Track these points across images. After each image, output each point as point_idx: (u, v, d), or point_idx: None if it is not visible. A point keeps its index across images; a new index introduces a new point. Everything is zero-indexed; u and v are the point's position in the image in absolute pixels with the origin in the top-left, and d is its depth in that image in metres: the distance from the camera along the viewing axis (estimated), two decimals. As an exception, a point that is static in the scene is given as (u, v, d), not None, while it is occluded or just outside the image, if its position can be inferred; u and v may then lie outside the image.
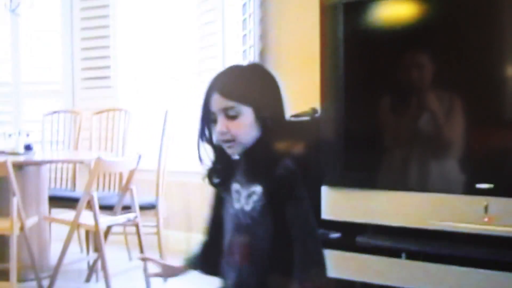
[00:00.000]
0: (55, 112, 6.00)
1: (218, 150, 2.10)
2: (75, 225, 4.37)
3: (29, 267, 4.37)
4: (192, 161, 5.47)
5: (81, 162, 5.32)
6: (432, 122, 2.87)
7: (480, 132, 2.83)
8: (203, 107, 2.05)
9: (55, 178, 5.74)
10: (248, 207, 2.05)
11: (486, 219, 2.73)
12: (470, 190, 2.76)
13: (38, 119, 6.01)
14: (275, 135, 2.03)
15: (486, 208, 2.72)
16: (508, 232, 2.67)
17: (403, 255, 2.93)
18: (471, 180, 2.77)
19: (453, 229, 2.78)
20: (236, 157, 2.08)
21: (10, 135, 4.90)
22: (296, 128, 3.42)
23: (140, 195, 4.76)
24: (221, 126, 2.01)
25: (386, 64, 3.00)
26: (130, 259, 5.28)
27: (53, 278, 4.38)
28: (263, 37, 4.24)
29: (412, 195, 2.90)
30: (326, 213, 3.11)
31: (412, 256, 2.90)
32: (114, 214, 4.60)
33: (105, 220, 4.44)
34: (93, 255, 4.79)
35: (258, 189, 2.03)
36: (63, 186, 5.76)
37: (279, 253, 2.02)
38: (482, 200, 2.72)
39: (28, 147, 4.91)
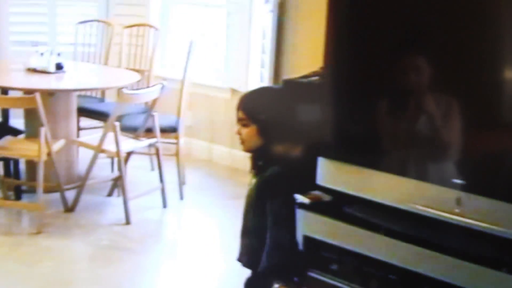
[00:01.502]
0: (88, 21, 6.23)
1: None
2: (98, 150, 4.73)
3: (55, 184, 4.77)
4: (217, 77, 5.83)
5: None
6: (426, 120, 3.07)
7: (467, 134, 3.02)
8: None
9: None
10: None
11: (457, 210, 2.98)
12: (447, 183, 2.99)
13: (71, 30, 6.23)
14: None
15: (458, 201, 2.96)
16: (476, 225, 2.92)
17: (382, 230, 3.21)
18: (449, 174, 3.00)
19: (429, 214, 3.03)
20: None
21: (42, 54, 5.15)
22: (304, 91, 3.68)
23: (164, 108, 5.09)
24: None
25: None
26: (151, 176, 5.61)
27: (78, 192, 4.83)
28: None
29: (399, 179, 3.14)
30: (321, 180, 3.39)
31: (390, 233, 3.18)
32: (137, 137, 4.94)
33: (127, 146, 4.78)
34: (116, 173, 5.16)
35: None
36: (93, 94, 6.07)
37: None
38: (456, 193, 2.97)
39: (59, 66, 5.17)
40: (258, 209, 2.66)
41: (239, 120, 2.92)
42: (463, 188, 2.95)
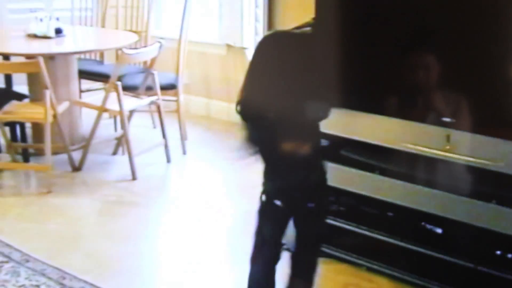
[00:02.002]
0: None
1: None
2: (102, 110, 4.88)
3: (62, 146, 4.93)
4: (213, 34, 5.93)
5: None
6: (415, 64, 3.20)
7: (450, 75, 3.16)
8: None
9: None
10: None
11: (447, 147, 3.14)
12: (437, 121, 3.15)
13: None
14: None
15: (448, 138, 3.12)
16: (465, 160, 3.08)
17: (377, 171, 3.38)
18: (438, 113, 3.15)
19: (421, 152, 3.19)
20: None
21: (41, 19, 5.26)
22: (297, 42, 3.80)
23: (162, 67, 5.24)
24: None
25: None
26: (153, 133, 5.77)
27: (84, 152, 4.99)
28: None
29: (391, 120, 3.29)
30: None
31: (385, 172, 3.35)
32: (138, 96, 5.09)
33: (129, 104, 4.93)
34: (120, 132, 5.32)
35: None
36: (92, 56, 6.20)
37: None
38: (446, 131, 3.12)
39: (58, 31, 5.30)
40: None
41: None
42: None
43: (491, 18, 2.93)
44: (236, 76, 6.04)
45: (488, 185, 3.07)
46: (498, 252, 3.09)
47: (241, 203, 4.46)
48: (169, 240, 4.07)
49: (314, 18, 3.52)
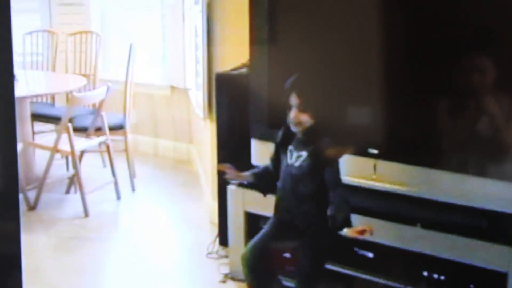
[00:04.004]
0: (34, 31, 6.61)
1: (286, 125, 3.19)
2: (54, 150, 5.13)
3: (17, 186, 5.14)
4: (157, 76, 6.22)
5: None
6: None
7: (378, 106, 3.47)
8: (286, 99, 3.14)
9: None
10: (297, 164, 3.16)
11: (374, 176, 3.45)
12: (364, 153, 3.45)
13: (18, 41, 6.58)
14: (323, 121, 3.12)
15: (374, 167, 3.44)
16: (391, 188, 3.38)
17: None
18: (365, 145, 3.44)
19: (350, 182, 3.43)
20: (295, 130, 3.16)
21: (-7, 66, 5.49)
22: (236, 82, 4.09)
23: (110, 108, 5.55)
24: (294, 114, 3.11)
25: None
26: (103, 172, 6.03)
27: (38, 191, 5.23)
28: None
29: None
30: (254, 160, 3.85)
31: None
32: (88, 136, 5.36)
33: (80, 144, 5.20)
34: (72, 171, 5.57)
35: (304, 153, 3.14)
36: (43, 99, 6.44)
37: (315, 194, 3.14)
38: (372, 161, 3.44)
39: (11, 76, 5.52)
40: (313, 176, 3.15)
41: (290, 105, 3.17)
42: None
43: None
44: (181, 115, 6.35)
45: (412, 209, 3.36)
46: (425, 273, 3.33)
47: (188, 236, 4.78)
48: (122, 272, 4.30)
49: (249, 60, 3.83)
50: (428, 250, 3.26)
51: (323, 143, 3.15)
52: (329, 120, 3.16)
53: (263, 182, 3.40)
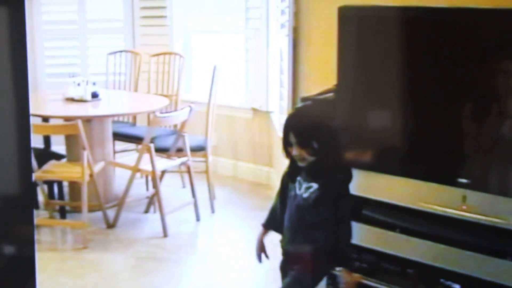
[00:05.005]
0: (117, 51, 6.68)
1: (292, 159, 3.19)
2: (135, 170, 5.14)
3: (97, 204, 5.19)
4: (239, 98, 6.22)
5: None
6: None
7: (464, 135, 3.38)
8: (284, 136, 3.15)
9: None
10: (306, 195, 3.13)
11: (464, 207, 3.33)
12: (453, 182, 3.35)
13: (102, 61, 6.68)
14: (326, 157, 3.11)
15: (464, 198, 3.32)
16: (482, 219, 3.26)
17: (398, 229, 3.57)
18: (454, 174, 3.35)
19: (439, 212, 3.38)
20: (301, 165, 3.15)
21: (79, 84, 5.58)
22: (320, 108, 4.04)
23: (192, 129, 5.56)
24: (295, 151, 3.10)
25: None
26: (183, 193, 6.04)
27: (118, 210, 5.25)
28: (297, 14, 4.78)
29: (408, 181, 3.49)
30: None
31: (405, 231, 3.54)
32: (169, 157, 5.36)
33: (161, 165, 5.19)
34: (151, 191, 5.57)
35: (314, 185, 3.12)
36: (125, 119, 6.50)
37: (321, 228, 3.13)
38: (462, 192, 3.32)
39: (94, 95, 5.61)
40: (321, 208, 3.12)
41: (290, 143, 3.14)
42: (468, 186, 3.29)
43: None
44: (262, 138, 6.31)
45: (503, 242, 3.21)
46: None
47: (265, 261, 4.66)
48: (200, 295, 4.27)
49: (336, 84, 3.76)
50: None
51: (336, 176, 3.18)
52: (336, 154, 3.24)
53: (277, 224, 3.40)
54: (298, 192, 3.18)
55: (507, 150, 3.19)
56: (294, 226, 3.23)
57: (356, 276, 3.07)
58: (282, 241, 3.34)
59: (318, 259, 3.18)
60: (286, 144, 3.16)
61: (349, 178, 3.27)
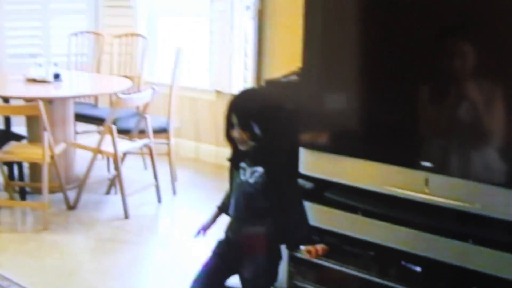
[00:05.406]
0: (80, 32, 6.61)
1: (234, 143, 3.11)
2: (97, 151, 5.10)
3: (58, 185, 5.14)
4: (203, 81, 6.17)
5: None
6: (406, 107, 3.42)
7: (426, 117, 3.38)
8: (226, 118, 3.06)
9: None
10: (252, 180, 3.07)
11: (426, 190, 3.34)
12: (416, 165, 3.36)
13: (64, 42, 6.60)
14: (268, 141, 3.04)
15: (426, 181, 3.33)
16: (443, 202, 3.28)
17: (360, 212, 3.58)
18: (417, 157, 3.36)
19: (401, 195, 3.37)
20: (242, 149, 3.08)
21: (40, 65, 5.51)
22: (283, 90, 4.03)
23: (155, 111, 5.52)
24: (236, 133, 3.02)
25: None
26: (144, 175, 6.04)
27: (79, 191, 5.21)
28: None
29: (371, 163, 3.50)
30: (303, 169, 3.76)
31: (367, 213, 3.55)
32: (131, 138, 5.32)
33: (122, 146, 5.15)
34: (113, 172, 5.53)
35: (259, 169, 3.06)
36: (87, 100, 6.43)
37: (271, 214, 3.09)
38: (424, 175, 3.34)
39: (56, 76, 5.54)
40: (269, 192, 3.09)
41: (232, 124, 3.07)
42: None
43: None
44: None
45: (464, 225, 3.24)
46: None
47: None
48: (160, 276, 4.26)
49: (301, 67, 3.74)
50: (477, 267, 3.16)
51: (280, 158, 3.14)
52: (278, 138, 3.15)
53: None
54: (243, 178, 3.12)
55: (468, 133, 3.19)
56: (242, 214, 3.17)
57: (321, 247, 3.04)
58: (227, 231, 3.29)
59: (270, 243, 3.15)
60: (229, 126, 3.08)
61: (294, 160, 3.31)
